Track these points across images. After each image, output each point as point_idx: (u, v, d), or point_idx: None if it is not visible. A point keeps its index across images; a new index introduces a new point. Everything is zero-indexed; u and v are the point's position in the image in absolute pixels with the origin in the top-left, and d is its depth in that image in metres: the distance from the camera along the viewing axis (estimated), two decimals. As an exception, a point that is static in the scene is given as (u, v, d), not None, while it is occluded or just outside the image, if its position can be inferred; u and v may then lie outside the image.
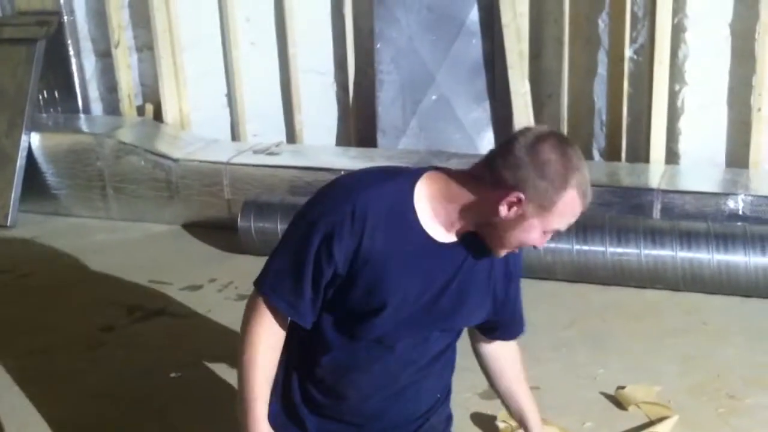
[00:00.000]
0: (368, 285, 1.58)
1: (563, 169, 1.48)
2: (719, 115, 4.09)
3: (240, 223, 4.06)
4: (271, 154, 4.54)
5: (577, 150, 1.53)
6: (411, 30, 4.56)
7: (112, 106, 5.29)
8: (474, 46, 4.49)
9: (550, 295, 3.55)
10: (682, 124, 4.15)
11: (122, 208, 4.77)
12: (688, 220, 3.57)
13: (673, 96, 4.10)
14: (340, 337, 1.67)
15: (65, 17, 5.13)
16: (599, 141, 4.40)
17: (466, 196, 1.55)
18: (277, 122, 5.03)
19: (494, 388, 1.95)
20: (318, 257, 1.56)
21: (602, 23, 4.24)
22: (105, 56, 5.22)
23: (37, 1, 5.12)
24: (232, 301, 3.62)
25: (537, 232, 1.54)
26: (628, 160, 4.24)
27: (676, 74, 4.09)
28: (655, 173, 3.94)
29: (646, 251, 3.47)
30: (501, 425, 2.51)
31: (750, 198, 3.60)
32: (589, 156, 4.38)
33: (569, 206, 1.51)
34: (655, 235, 3.47)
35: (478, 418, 2.67)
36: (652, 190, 3.73)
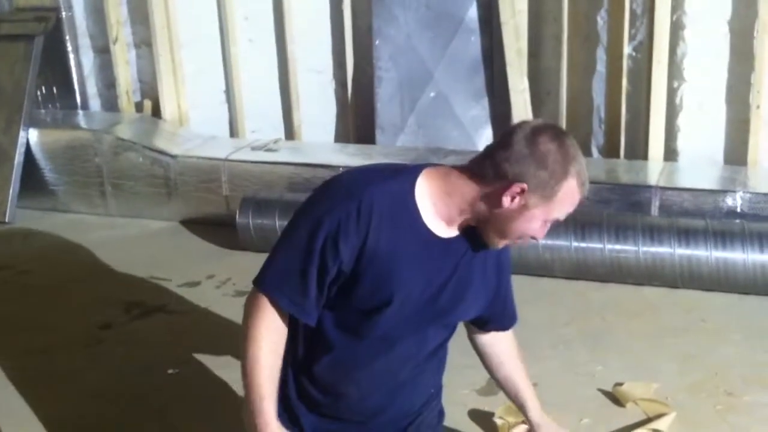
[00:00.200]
0: (373, 282, 1.59)
1: (562, 159, 1.53)
2: (718, 112, 4.09)
3: (238, 219, 4.06)
4: (270, 150, 4.53)
5: (573, 140, 1.58)
6: (409, 27, 4.56)
7: (110, 103, 5.29)
8: (473, 44, 4.49)
9: (548, 293, 3.55)
10: (681, 121, 4.15)
11: (120, 205, 4.77)
12: (687, 217, 3.57)
13: (671, 93, 4.10)
14: (342, 336, 1.67)
15: (63, 13, 5.12)
16: (598, 138, 4.40)
17: (466, 190, 1.57)
18: (276, 119, 5.03)
19: (493, 376, 1.97)
20: (323, 254, 1.56)
21: (601, 20, 4.24)
22: (103, 52, 5.22)
23: (35, -3, 5.12)
24: (231, 297, 3.62)
25: (538, 222, 1.58)
26: (626, 157, 4.25)
27: (674, 72, 4.09)
28: (654, 170, 3.94)
29: (645, 248, 3.47)
30: (498, 422, 2.51)
31: (748, 195, 3.60)
32: (587, 153, 4.38)
33: (569, 195, 1.55)
34: (653, 233, 3.47)
35: (475, 415, 2.67)
36: (650, 187, 3.73)
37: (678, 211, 3.64)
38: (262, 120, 5.03)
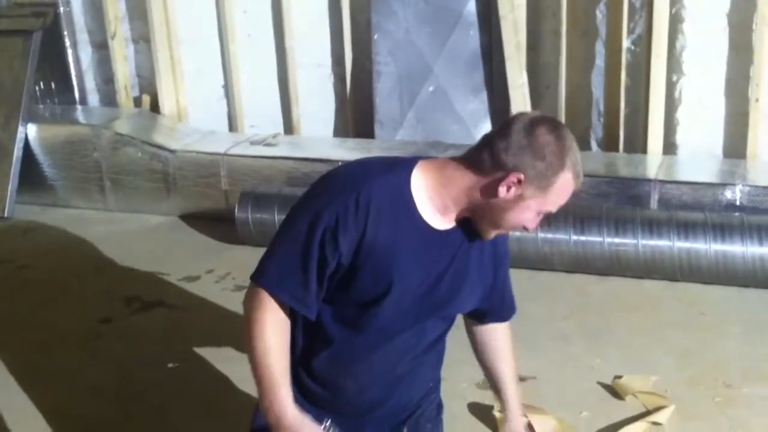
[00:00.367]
0: (372, 275, 1.59)
1: (560, 150, 1.53)
2: (717, 106, 4.09)
3: (237, 214, 4.06)
4: (269, 145, 4.53)
5: (569, 132, 1.58)
6: (408, 22, 4.55)
7: (109, 98, 5.28)
8: (471, 38, 4.49)
9: (548, 286, 3.55)
10: (680, 115, 4.15)
11: (119, 200, 4.77)
12: (686, 210, 3.58)
13: (670, 87, 4.10)
14: (341, 329, 1.67)
15: (62, 8, 5.12)
16: (597, 132, 4.40)
17: (461, 181, 1.58)
18: (275, 114, 5.02)
19: (483, 368, 1.96)
20: (323, 247, 1.56)
21: (600, 14, 4.23)
22: (101, 47, 5.21)
23: (33, -8, 5.11)
24: (230, 291, 3.62)
25: (532, 212, 1.59)
26: (625, 150, 4.24)
27: (673, 65, 4.09)
28: (653, 164, 3.94)
29: (644, 242, 3.47)
30: (498, 414, 2.52)
31: (747, 188, 3.60)
32: (586, 147, 4.38)
33: (564, 187, 1.56)
34: (652, 226, 3.47)
35: (475, 408, 2.68)
36: (649, 180, 3.73)
37: (677, 205, 3.65)
38: (261, 115, 5.02)
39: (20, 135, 4.82)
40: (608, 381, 2.80)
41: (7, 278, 3.95)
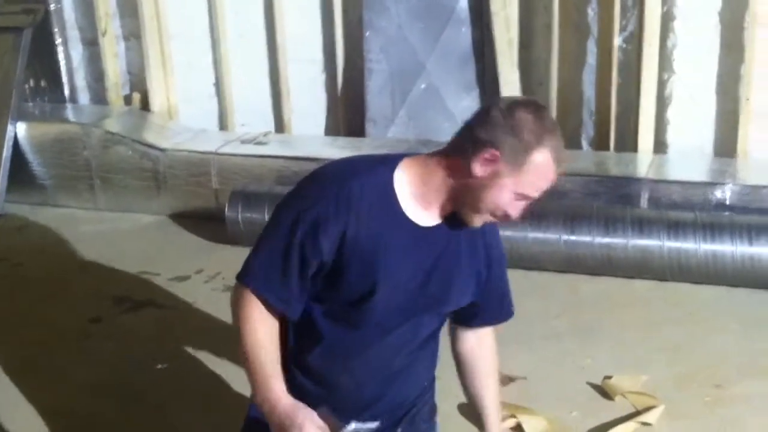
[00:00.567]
0: (358, 274, 1.59)
1: (537, 129, 1.52)
2: (708, 104, 4.09)
3: (227, 213, 4.04)
4: (259, 143, 4.52)
5: (552, 118, 1.57)
6: (400, 19, 4.54)
7: (99, 96, 5.26)
8: (463, 35, 4.48)
9: (539, 286, 3.55)
10: (671, 113, 4.14)
11: (109, 199, 4.75)
12: (676, 209, 3.58)
13: (661, 85, 4.10)
14: (332, 326, 1.67)
15: (52, 5, 5.08)
16: (588, 130, 4.39)
17: (442, 171, 1.58)
18: (266, 112, 5.00)
19: (465, 390, 1.95)
20: (303, 248, 1.57)
21: (591, 12, 4.23)
22: (92, 45, 5.19)
23: (23, -11, 5.08)
24: (219, 291, 3.61)
25: (509, 192, 1.55)
26: (616, 149, 4.24)
27: (664, 63, 4.08)
28: (643, 163, 3.94)
29: (634, 241, 3.47)
30: None
31: (737, 188, 3.61)
32: (577, 145, 4.37)
33: (542, 167, 1.53)
34: (642, 225, 3.47)
35: (465, 409, 2.67)
36: (640, 179, 3.73)
37: (667, 204, 3.64)
38: (251, 112, 5.00)
39: (9, 133, 4.78)
40: (598, 381, 2.81)
41: (2, 277, 3.93)
